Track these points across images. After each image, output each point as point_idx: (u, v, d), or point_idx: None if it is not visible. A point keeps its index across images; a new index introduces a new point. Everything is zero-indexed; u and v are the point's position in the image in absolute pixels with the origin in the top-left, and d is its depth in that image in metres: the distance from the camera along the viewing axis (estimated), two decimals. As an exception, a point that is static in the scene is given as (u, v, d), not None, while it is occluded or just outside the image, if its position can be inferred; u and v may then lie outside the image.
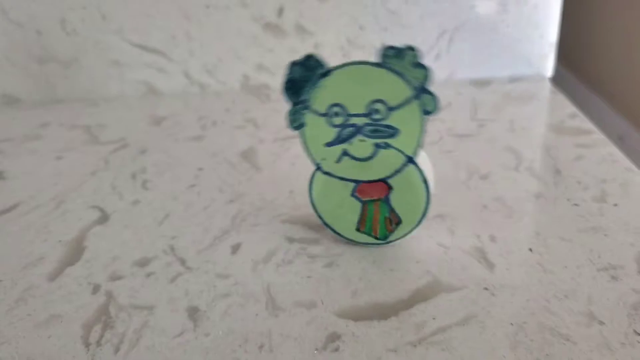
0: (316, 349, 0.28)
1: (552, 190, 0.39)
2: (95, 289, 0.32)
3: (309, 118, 0.31)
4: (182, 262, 0.34)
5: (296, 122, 0.31)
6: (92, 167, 0.46)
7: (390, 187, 0.32)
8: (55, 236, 0.37)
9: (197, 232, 0.37)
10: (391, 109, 0.30)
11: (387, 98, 0.29)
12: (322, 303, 0.30)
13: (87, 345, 0.29)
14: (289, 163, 0.44)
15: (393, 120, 0.30)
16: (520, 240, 0.34)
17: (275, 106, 0.55)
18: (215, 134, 0.50)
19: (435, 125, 0.49)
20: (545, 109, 0.52)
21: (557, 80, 0.57)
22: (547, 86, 0.56)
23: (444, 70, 0.57)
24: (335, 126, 0.31)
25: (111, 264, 0.34)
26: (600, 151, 0.43)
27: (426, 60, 0.55)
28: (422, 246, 0.34)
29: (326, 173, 0.32)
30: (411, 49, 0.28)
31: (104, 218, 0.39)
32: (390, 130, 0.30)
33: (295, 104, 0.31)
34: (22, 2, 0.55)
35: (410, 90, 0.29)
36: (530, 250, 0.33)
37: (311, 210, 0.38)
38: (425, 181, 0.31)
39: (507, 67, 0.57)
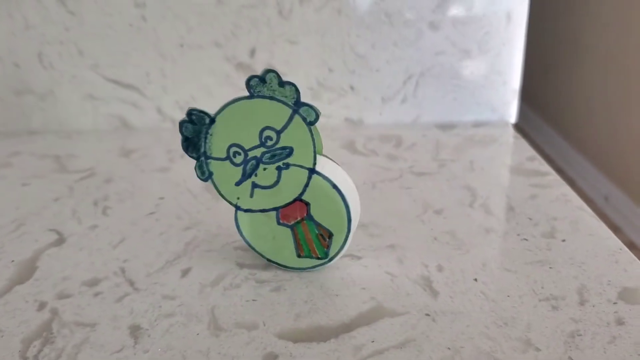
0: (252, 367, 0.28)
1: (503, 225, 0.40)
2: (41, 306, 0.33)
3: (213, 166, 0.32)
4: (131, 283, 0.34)
5: (204, 174, 0.33)
6: (56, 194, 0.46)
7: (307, 204, 0.33)
8: (9, 256, 0.38)
9: (150, 255, 0.37)
10: (279, 131, 0.31)
11: (273, 123, 0.31)
12: (264, 325, 0.31)
13: (24, 359, 0.29)
14: (250, 195, 0.45)
15: (285, 140, 0.31)
16: (466, 270, 0.35)
17: (245, 143, 0.56)
18: (182, 166, 0.51)
19: (397, 163, 0.50)
20: (506, 152, 0.53)
21: (524, 124, 0.59)
22: (510, 132, 0.57)
23: (411, 114, 0.59)
24: (238, 165, 0.32)
25: (60, 283, 0.35)
26: (555, 192, 0.44)
27: (393, 104, 0.57)
28: (370, 273, 0.35)
29: (247, 210, 0.33)
30: (271, 71, 0.30)
31: (60, 241, 0.39)
32: (286, 151, 0.32)
33: (198, 157, 0.32)
34: (1, 36, 0.56)
35: (288, 108, 0.30)
36: (475, 280, 0.34)
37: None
38: (335, 186, 0.32)
39: (471, 112, 0.59)
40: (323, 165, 0.32)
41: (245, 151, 0.32)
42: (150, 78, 0.58)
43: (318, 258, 0.34)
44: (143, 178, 0.49)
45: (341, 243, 0.34)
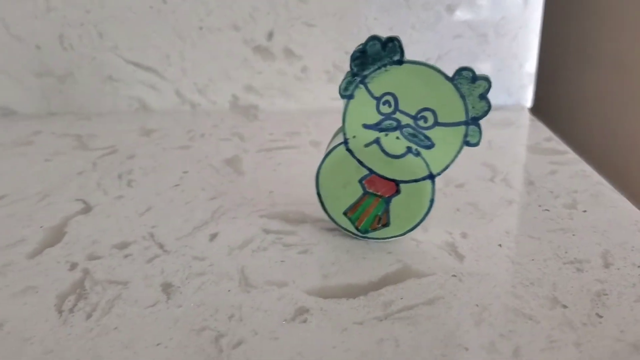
0: (284, 320, 0.28)
1: (524, 197, 0.40)
2: (73, 266, 0.33)
3: (360, 93, 0.31)
4: (161, 246, 0.35)
5: (348, 90, 0.31)
6: (79, 169, 0.47)
7: (398, 191, 0.33)
8: (37, 223, 0.38)
9: (177, 222, 0.38)
10: (438, 123, 0.31)
11: (440, 112, 0.30)
12: (294, 282, 0.31)
13: (60, 312, 0.29)
14: (271, 170, 0.46)
15: (435, 134, 0.31)
16: (490, 237, 0.35)
17: (263, 125, 0.56)
18: (202, 144, 0.51)
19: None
20: (523, 133, 0.54)
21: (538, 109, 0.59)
22: (526, 115, 0.58)
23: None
24: (381, 113, 0.31)
25: (90, 246, 0.35)
26: (573, 168, 0.45)
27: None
28: (395, 240, 0.35)
29: (349, 150, 0.32)
30: (486, 80, 0.29)
31: (86, 209, 0.40)
32: (428, 142, 0.31)
33: (355, 74, 0.31)
34: (24, 18, 0.57)
35: (464, 115, 0.30)
36: (500, 245, 0.34)
37: (289, 208, 0.39)
38: (431, 201, 0.32)
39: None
40: (439, 177, 0.32)
41: (396, 109, 0.31)
42: (170, 60, 0.58)
43: (357, 228, 0.34)
44: (165, 155, 0.49)
45: (386, 236, 0.34)
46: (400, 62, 0.30)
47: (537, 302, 0.29)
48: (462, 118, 0.30)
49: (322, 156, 0.33)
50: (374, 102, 0.31)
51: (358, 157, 0.32)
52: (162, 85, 0.59)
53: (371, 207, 0.33)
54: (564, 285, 0.30)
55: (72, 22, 0.57)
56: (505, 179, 0.43)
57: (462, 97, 0.30)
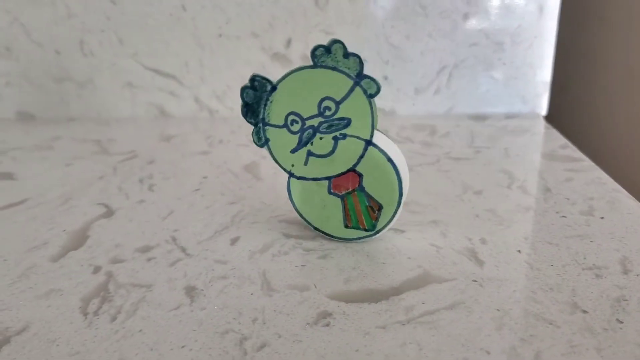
0: (307, 324, 0.29)
1: (541, 204, 0.41)
2: (96, 269, 0.34)
3: (270, 133, 0.33)
4: (183, 249, 0.35)
5: (261, 140, 0.34)
6: (100, 173, 0.47)
7: (360, 175, 0.33)
8: (61, 226, 0.39)
9: (198, 226, 0.38)
10: (339, 102, 0.32)
11: (333, 94, 0.32)
12: (315, 287, 0.31)
13: (84, 314, 0.30)
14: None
15: (343, 111, 0.32)
16: (509, 243, 0.35)
17: (280, 131, 0.57)
18: (221, 150, 0.52)
19: (433, 149, 0.51)
20: (539, 141, 0.54)
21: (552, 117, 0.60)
22: (542, 123, 0.58)
23: (444, 105, 0.60)
24: (295, 133, 0.33)
25: (113, 250, 0.36)
26: (589, 175, 0.45)
27: (426, 95, 0.58)
28: (415, 245, 0.35)
29: (300, 178, 0.34)
30: (337, 41, 0.30)
31: (109, 213, 0.40)
32: (344, 122, 0.32)
33: (256, 124, 0.33)
34: (45, 24, 0.58)
35: (349, 80, 0.31)
36: (519, 251, 0.35)
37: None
38: (390, 160, 0.33)
39: (503, 104, 0.60)
40: (378, 138, 0.33)
41: (303, 120, 0.32)
42: (189, 67, 0.59)
43: (365, 230, 0.35)
44: (184, 160, 0.50)
45: (390, 216, 0.34)
46: (274, 87, 0.32)
47: (557, 307, 0.29)
48: (350, 82, 0.31)
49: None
50: (284, 129, 0.33)
51: (309, 177, 0.34)
52: (181, 92, 0.60)
53: (356, 204, 0.34)
54: (583, 291, 0.31)
55: (92, 28, 0.58)
56: (522, 186, 0.43)
57: (334, 68, 0.31)
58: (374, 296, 0.31)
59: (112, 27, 0.58)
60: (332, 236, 0.36)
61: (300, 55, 0.58)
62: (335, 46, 0.30)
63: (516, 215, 0.39)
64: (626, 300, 0.30)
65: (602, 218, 0.38)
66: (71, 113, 0.61)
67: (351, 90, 0.31)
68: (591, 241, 0.36)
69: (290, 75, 0.32)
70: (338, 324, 0.28)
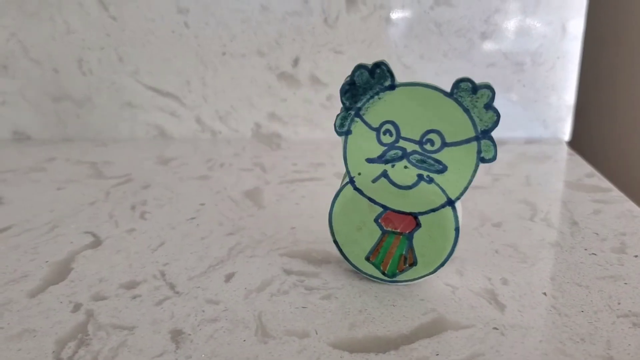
0: (305, 377, 0.25)
1: (568, 239, 0.37)
2: (76, 307, 0.30)
3: (358, 127, 0.29)
4: (172, 286, 0.32)
5: (344, 127, 0.29)
6: (92, 198, 0.44)
7: (418, 224, 0.30)
8: (43, 257, 0.36)
9: (191, 259, 0.35)
10: (446, 143, 0.28)
11: (446, 131, 0.28)
12: (316, 333, 0.28)
13: (58, 359, 0.26)
14: (293, 203, 0.43)
15: (445, 156, 0.28)
16: (533, 284, 0.32)
17: (286, 154, 0.54)
18: (222, 174, 0.49)
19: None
20: (562, 168, 0.51)
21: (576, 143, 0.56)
22: (565, 149, 0.55)
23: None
24: (383, 144, 0.29)
25: (96, 285, 0.32)
26: (619, 207, 0.41)
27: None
28: (428, 285, 0.32)
29: (357, 189, 0.30)
30: (489, 88, 0.27)
31: (96, 243, 0.37)
32: (439, 166, 0.28)
33: (348, 108, 0.29)
34: (42, 41, 0.56)
35: (473, 130, 0.27)
36: (545, 294, 0.31)
37: (312, 246, 0.36)
38: (457, 229, 0.29)
39: (522, 128, 0.56)
40: (458, 203, 0.29)
41: (399, 137, 0.28)
42: (191, 87, 0.56)
43: (383, 273, 0.31)
44: (182, 185, 0.47)
45: (416, 276, 0.31)
46: (393, 86, 0.28)
47: (591, 363, 0.26)
48: (472, 134, 0.27)
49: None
50: (374, 133, 0.29)
51: (368, 194, 0.30)
52: (182, 112, 0.57)
53: (393, 246, 0.30)
54: (619, 342, 0.27)
55: (91, 45, 0.56)
56: (546, 219, 0.40)
57: (466, 110, 0.27)
58: (381, 345, 0.27)
59: (112, 44, 0.56)
60: (348, 260, 0.32)
61: (307, 75, 0.55)
62: (484, 91, 0.26)
63: (540, 252, 0.35)
64: (669, 354, 0.26)
65: (636, 256, 0.35)
66: (68, 133, 0.59)
67: (467, 141, 0.28)
68: (625, 283, 0.32)
69: (415, 86, 0.27)
70: (340, 379, 0.25)
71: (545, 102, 0.55)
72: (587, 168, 0.49)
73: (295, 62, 0.55)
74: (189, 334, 0.28)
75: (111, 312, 0.30)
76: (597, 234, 0.38)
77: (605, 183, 0.46)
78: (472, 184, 0.43)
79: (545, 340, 0.27)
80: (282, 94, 0.56)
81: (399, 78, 0.27)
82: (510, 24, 0.53)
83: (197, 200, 0.43)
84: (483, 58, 0.54)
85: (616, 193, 0.44)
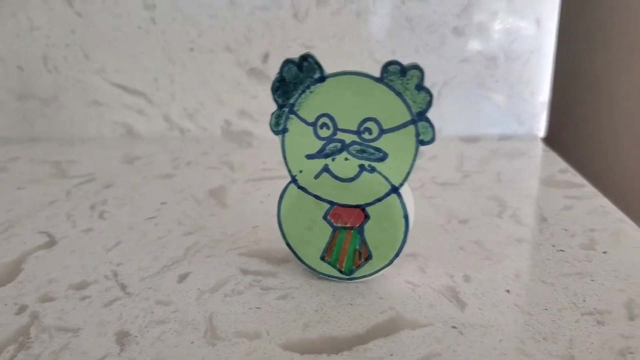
0: (252, 380, 0.24)
1: (536, 236, 0.36)
2: (21, 309, 0.29)
3: (293, 124, 0.28)
4: (123, 287, 0.31)
5: (279, 125, 0.29)
6: (51, 198, 0.43)
7: (367, 217, 0.29)
8: (-7, 258, 0.34)
9: (145, 260, 0.34)
10: (384, 130, 0.27)
11: (382, 118, 0.27)
12: (268, 334, 0.27)
13: (-6, 365, 0.25)
14: (258, 201, 0.42)
15: (384, 143, 0.27)
16: (497, 281, 0.31)
17: (256, 152, 0.53)
18: (187, 173, 0.48)
19: (418, 173, 0.46)
20: (535, 165, 0.50)
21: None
22: (539, 145, 0.54)
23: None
24: (321, 138, 0.28)
25: (45, 286, 0.31)
26: (591, 203, 0.41)
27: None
28: (388, 282, 0.31)
29: (301, 188, 0.29)
30: (417, 68, 0.26)
31: (50, 243, 0.36)
32: (379, 154, 0.28)
33: (281, 106, 0.28)
34: (6, 37, 0.54)
35: (408, 114, 0.26)
36: (508, 291, 0.30)
37: (273, 245, 0.35)
38: (406, 217, 0.28)
39: (497, 124, 0.55)
40: (404, 188, 0.28)
41: (336, 129, 0.28)
42: (158, 84, 0.55)
43: (340, 271, 0.30)
44: (145, 184, 0.45)
45: (373, 270, 0.30)
46: (323, 78, 0.27)
47: (551, 362, 0.25)
48: (407, 117, 0.26)
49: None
50: (310, 128, 0.28)
51: (312, 192, 0.29)
52: (150, 110, 0.56)
53: (346, 242, 0.29)
54: (582, 341, 0.26)
55: (56, 42, 0.54)
56: (515, 215, 0.39)
57: (399, 94, 0.26)
58: (335, 346, 0.26)
59: (78, 41, 0.54)
60: (303, 262, 0.31)
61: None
62: (413, 72, 0.26)
63: (507, 249, 0.34)
64: (632, 352, 0.25)
65: (604, 253, 0.34)
66: (35, 133, 0.57)
67: (404, 125, 0.27)
68: (592, 280, 0.31)
69: (346, 76, 0.27)
70: (288, 382, 0.24)
71: (519, 97, 0.54)
72: (561, 164, 0.49)
73: (265, 57, 0.54)
74: (135, 336, 0.27)
75: (57, 314, 0.29)
76: (567, 230, 0.37)
77: (579, 179, 0.45)
78: (442, 180, 0.43)
79: (505, 340, 0.26)
80: (252, 91, 0.55)
81: (372, 74, 0.26)
82: (483, 19, 0.52)
83: (159, 199, 0.42)
84: (456, 53, 0.53)
85: (589, 189, 0.43)
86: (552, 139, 0.57)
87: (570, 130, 0.66)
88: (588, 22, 0.62)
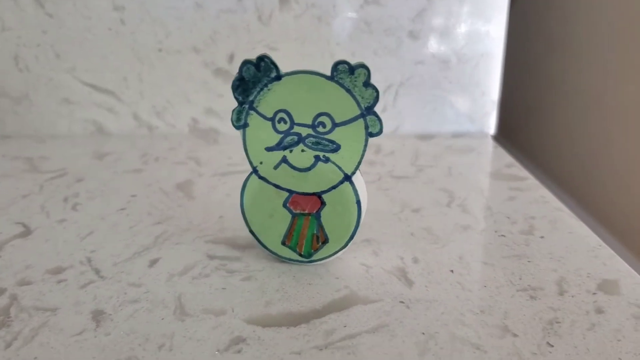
0: (218, 350, 0.27)
1: (480, 223, 0.39)
2: (0, 292, 0.31)
3: (253, 119, 0.31)
4: (97, 271, 0.33)
5: (240, 121, 0.31)
6: (25, 191, 0.45)
7: (323, 203, 0.31)
8: (-29, 246, 0.36)
9: (118, 247, 0.36)
10: (336, 124, 0.30)
11: (334, 113, 0.30)
12: (233, 311, 0.29)
13: (-22, 341, 0.27)
14: (224, 194, 0.44)
15: (336, 135, 0.30)
16: (442, 262, 0.34)
17: (222, 149, 0.55)
18: (155, 168, 0.50)
19: (375, 167, 0.49)
20: (485, 160, 0.53)
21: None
22: (489, 142, 0.57)
23: (390, 124, 0.58)
24: (279, 132, 0.31)
25: (23, 271, 0.33)
26: (533, 194, 0.44)
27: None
28: (344, 265, 0.34)
29: (261, 178, 0.32)
30: (363, 67, 0.28)
31: (26, 233, 0.38)
32: (333, 145, 0.30)
33: (242, 103, 0.31)
34: (-23, 38, 0.56)
35: (357, 108, 0.29)
36: (452, 271, 0.33)
37: (237, 233, 0.37)
38: (358, 202, 0.31)
39: (450, 123, 0.58)
40: (356, 176, 0.31)
41: (293, 123, 0.30)
42: (128, 83, 0.57)
43: (300, 254, 0.33)
44: (115, 178, 0.47)
45: (330, 252, 0.33)
46: (279, 77, 0.30)
47: (486, 331, 0.28)
48: (357, 112, 0.29)
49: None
50: (269, 123, 0.31)
51: (272, 181, 0.32)
52: (120, 108, 0.58)
53: (304, 227, 0.32)
54: (515, 313, 0.29)
55: (28, 42, 0.56)
56: (462, 205, 0.42)
57: (348, 90, 0.29)
58: (293, 320, 0.29)
59: (49, 41, 0.56)
60: (265, 246, 0.34)
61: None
62: (360, 70, 0.28)
63: (453, 234, 0.37)
64: (559, 322, 0.28)
65: (542, 237, 0.37)
66: (6, 130, 0.59)
67: (354, 119, 0.29)
68: (529, 261, 0.34)
69: (300, 74, 0.29)
70: (251, 350, 0.27)
71: (470, 98, 0.58)
72: (508, 159, 0.52)
73: (231, 58, 0.56)
74: (110, 314, 0.29)
75: (35, 296, 0.31)
76: (509, 217, 0.40)
77: (523, 172, 0.49)
78: (397, 174, 0.45)
79: (446, 312, 0.29)
80: (219, 90, 0.57)
81: (326, 72, 0.29)
82: (437, 23, 0.55)
83: (129, 192, 0.44)
84: (411, 56, 0.56)
85: (532, 181, 0.47)
86: (502, 136, 0.60)
87: (519, 127, 0.70)
88: (535, 24, 0.66)
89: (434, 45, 0.56)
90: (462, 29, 0.55)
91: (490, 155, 0.54)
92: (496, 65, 0.57)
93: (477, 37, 0.56)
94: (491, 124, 0.58)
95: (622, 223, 0.51)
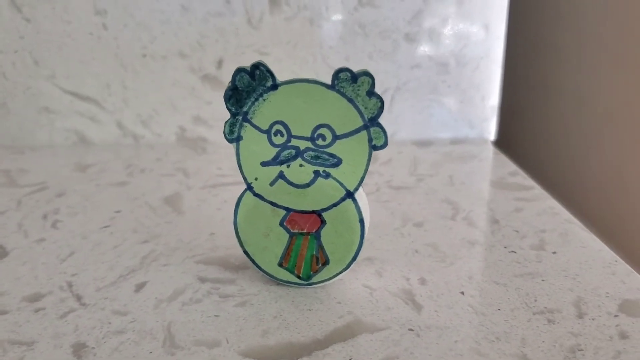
0: (212, 389, 0.24)
1: (488, 238, 0.37)
2: (-28, 324, 0.28)
3: (248, 132, 0.28)
4: (78, 298, 0.30)
5: (233, 133, 0.29)
6: (1, 208, 0.42)
7: (323, 222, 0.29)
8: (-59, 271, 0.33)
9: (101, 269, 0.33)
10: (337, 137, 0.28)
11: (335, 124, 0.27)
12: (227, 342, 0.27)
13: (-54, 382, 0.25)
14: (214, 208, 0.42)
15: (338, 149, 0.28)
16: (451, 283, 0.32)
17: (211, 158, 0.52)
18: (141, 180, 0.47)
19: (373, 177, 0.47)
20: (487, 167, 0.51)
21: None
22: (490, 148, 0.55)
23: (386, 130, 0.56)
24: (275, 145, 0.28)
25: (-3, 299, 0.31)
26: (541, 205, 0.42)
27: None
28: (346, 287, 0.31)
29: (257, 195, 0.29)
30: (367, 75, 0.26)
31: (2, 254, 0.35)
32: (333, 160, 0.28)
33: (235, 114, 0.28)
34: (-49, 44, 0.53)
35: (360, 120, 0.27)
36: (462, 293, 0.31)
37: (230, 252, 0.35)
38: (361, 221, 0.29)
39: (448, 128, 0.56)
40: (359, 193, 0.29)
41: (290, 136, 0.28)
42: (111, 90, 0.54)
43: (298, 277, 0.31)
44: (98, 192, 0.45)
45: (331, 275, 0.30)
46: (275, 86, 0.27)
47: (505, 361, 0.26)
48: (360, 123, 0.27)
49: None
50: (265, 136, 0.28)
51: (268, 199, 0.29)
52: (102, 117, 0.55)
53: (303, 248, 0.30)
54: (534, 339, 0.27)
55: (4, 48, 0.53)
56: (467, 217, 0.40)
57: (350, 100, 0.27)
58: (294, 351, 0.26)
59: (27, 47, 0.53)
60: (260, 268, 0.31)
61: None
62: (363, 78, 0.26)
63: (460, 251, 0.35)
64: (581, 350, 0.26)
65: (554, 253, 0.35)
66: (-18, 141, 0.56)
67: (357, 131, 0.27)
68: (542, 280, 0.32)
69: (298, 83, 0.27)
70: (249, 389, 0.24)
71: (470, 102, 0.55)
72: (511, 167, 0.50)
73: (220, 63, 0.54)
74: (93, 347, 0.27)
75: (10, 327, 0.28)
76: (518, 231, 0.38)
77: (528, 181, 0.46)
78: (396, 184, 0.43)
79: (460, 340, 0.27)
80: (207, 97, 0.55)
81: (326, 80, 0.27)
82: (434, 25, 0.53)
83: (113, 207, 0.42)
84: (408, 59, 0.54)
85: (538, 191, 0.44)
86: (502, 142, 0.58)
87: (520, 133, 0.68)
88: (536, 26, 0.64)
89: (431, 48, 0.54)
90: (461, 30, 0.53)
91: (491, 162, 0.52)
92: (496, 68, 0.54)
93: (477, 39, 0.54)
94: (491, 130, 0.56)
95: (619, 229, 0.49)
